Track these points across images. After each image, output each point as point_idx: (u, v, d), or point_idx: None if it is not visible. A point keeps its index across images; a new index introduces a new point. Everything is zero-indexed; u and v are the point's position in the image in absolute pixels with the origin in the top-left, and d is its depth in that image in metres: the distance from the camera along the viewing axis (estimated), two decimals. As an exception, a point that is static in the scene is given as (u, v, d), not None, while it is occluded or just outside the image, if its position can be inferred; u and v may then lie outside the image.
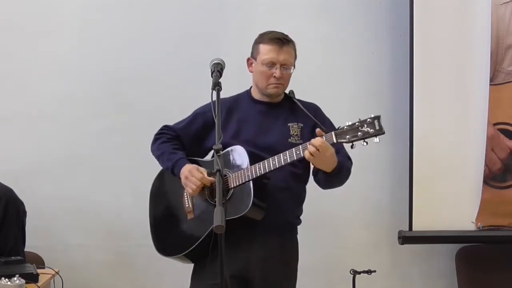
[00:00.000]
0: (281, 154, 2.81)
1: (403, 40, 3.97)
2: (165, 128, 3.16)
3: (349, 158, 3.04)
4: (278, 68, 2.95)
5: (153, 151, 3.13)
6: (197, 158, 3.08)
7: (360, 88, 4.06)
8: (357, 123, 2.71)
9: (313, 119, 2.98)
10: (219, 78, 2.77)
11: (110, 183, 3.96)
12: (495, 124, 3.87)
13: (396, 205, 4.06)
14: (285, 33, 3.04)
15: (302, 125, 3.01)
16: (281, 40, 2.97)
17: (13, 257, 3.02)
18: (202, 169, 2.93)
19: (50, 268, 3.24)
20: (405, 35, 3.92)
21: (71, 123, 3.97)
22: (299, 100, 3.07)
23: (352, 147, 2.73)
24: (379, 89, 4.08)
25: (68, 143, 3.97)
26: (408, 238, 3.88)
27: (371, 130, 2.69)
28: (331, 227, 4.05)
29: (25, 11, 3.96)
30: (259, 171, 2.82)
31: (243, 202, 2.83)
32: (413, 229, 3.89)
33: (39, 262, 3.46)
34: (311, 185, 3.97)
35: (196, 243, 2.94)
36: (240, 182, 2.85)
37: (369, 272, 3.63)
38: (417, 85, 3.84)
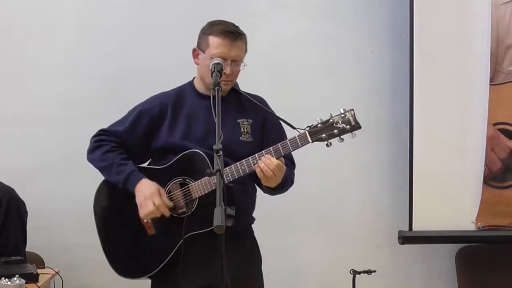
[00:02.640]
0: (250, 158, 2.68)
1: (403, 40, 3.97)
2: (104, 133, 2.94)
3: (292, 163, 2.93)
4: (228, 65, 2.77)
5: (93, 160, 2.91)
6: (147, 166, 2.91)
7: (360, 88, 4.06)
8: (330, 120, 2.56)
9: (261, 113, 2.85)
10: (219, 78, 2.72)
11: (110, 183, 3.95)
12: (495, 124, 3.87)
13: (396, 205, 4.06)
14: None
15: (251, 121, 2.87)
16: (234, 34, 2.78)
17: (13, 257, 3.02)
18: (164, 197, 2.76)
19: (50, 268, 3.24)
20: (405, 35, 3.92)
21: (71, 123, 3.97)
22: (245, 93, 2.90)
23: (327, 145, 2.60)
24: (379, 89, 4.08)
25: (68, 143, 3.96)
26: (408, 238, 3.88)
27: (347, 126, 2.54)
28: (331, 227, 4.05)
29: (25, 11, 3.96)
30: (226, 178, 2.64)
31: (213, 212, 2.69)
32: (413, 229, 3.88)
33: (39, 262, 3.46)
34: (312, 185, 3.99)
35: (166, 260, 2.79)
36: (206, 192, 2.71)
37: (369, 272, 3.63)
38: (417, 85, 3.84)
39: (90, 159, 2.94)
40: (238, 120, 2.85)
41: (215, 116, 2.56)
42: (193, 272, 2.80)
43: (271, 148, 2.68)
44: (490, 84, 3.85)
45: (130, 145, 2.91)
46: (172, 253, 2.78)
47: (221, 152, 2.48)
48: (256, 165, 2.66)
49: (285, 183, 2.80)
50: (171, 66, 4.00)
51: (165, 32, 4.00)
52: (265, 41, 3.94)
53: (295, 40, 3.97)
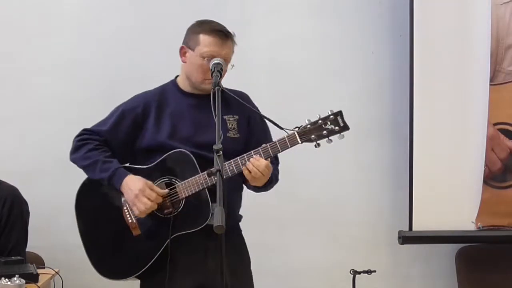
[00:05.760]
0: (238, 158, 2.66)
1: (403, 40, 3.98)
2: (87, 132, 2.91)
3: (276, 159, 2.89)
4: None
5: (76, 159, 2.87)
6: (132, 166, 2.84)
7: (360, 88, 4.06)
8: (319, 121, 2.58)
9: (246, 109, 2.82)
10: (219, 78, 2.71)
11: (110, 183, 3.95)
12: (495, 124, 3.88)
13: (396, 205, 4.06)
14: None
15: (237, 117, 2.84)
16: (225, 34, 2.77)
17: (13, 257, 3.02)
18: (155, 187, 2.73)
19: (50, 268, 3.24)
20: (405, 35, 3.92)
21: (71, 123, 3.94)
22: (227, 89, 2.82)
23: (316, 146, 2.60)
24: (379, 89, 4.08)
25: (68, 143, 3.94)
26: (408, 238, 3.88)
27: (336, 127, 2.58)
28: (331, 227, 4.05)
29: (25, 11, 3.96)
30: (214, 178, 2.55)
31: (201, 211, 2.66)
32: (413, 229, 3.89)
33: (39, 262, 3.46)
34: (312, 185, 3.98)
35: (151, 261, 2.75)
36: (194, 191, 2.68)
37: (369, 272, 3.63)
38: (417, 85, 3.84)
39: (73, 159, 2.89)
40: (224, 117, 2.79)
41: (215, 116, 2.55)
42: (181, 273, 2.77)
43: (259, 148, 2.65)
44: (490, 84, 3.85)
45: (114, 145, 2.86)
46: (158, 253, 2.74)
47: (221, 152, 2.46)
48: (244, 166, 2.65)
49: (270, 182, 2.79)
50: (171, 66, 3.98)
51: (165, 32, 4.00)
52: (265, 40, 3.95)
53: (295, 39, 3.96)
